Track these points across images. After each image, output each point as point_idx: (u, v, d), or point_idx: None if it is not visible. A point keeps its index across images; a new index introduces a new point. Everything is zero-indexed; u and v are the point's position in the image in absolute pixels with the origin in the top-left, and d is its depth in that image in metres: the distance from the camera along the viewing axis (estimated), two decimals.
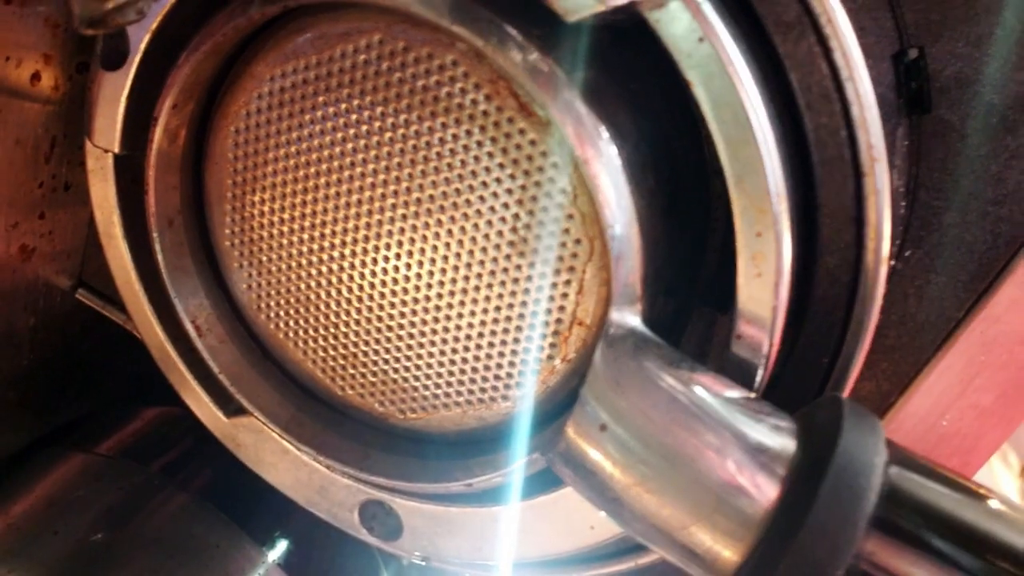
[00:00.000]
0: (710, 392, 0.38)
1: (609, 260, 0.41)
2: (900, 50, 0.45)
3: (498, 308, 0.46)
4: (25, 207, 0.56)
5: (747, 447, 0.36)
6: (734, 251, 0.40)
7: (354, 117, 0.46)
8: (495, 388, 0.48)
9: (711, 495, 0.36)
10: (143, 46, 0.48)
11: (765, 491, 0.35)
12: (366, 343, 0.51)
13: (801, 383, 0.43)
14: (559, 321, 0.45)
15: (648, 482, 0.37)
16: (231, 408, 0.58)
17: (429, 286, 0.47)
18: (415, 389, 0.51)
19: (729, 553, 0.35)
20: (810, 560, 0.32)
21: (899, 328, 0.48)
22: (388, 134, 0.45)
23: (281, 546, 0.65)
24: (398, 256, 0.47)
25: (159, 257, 0.53)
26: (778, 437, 0.36)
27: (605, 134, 0.40)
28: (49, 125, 0.54)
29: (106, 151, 0.52)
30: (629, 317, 0.41)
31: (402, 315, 0.49)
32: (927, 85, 0.46)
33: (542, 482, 0.48)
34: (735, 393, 0.38)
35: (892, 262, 0.45)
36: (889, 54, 0.45)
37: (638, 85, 0.44)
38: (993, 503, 0.35)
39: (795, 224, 0.39)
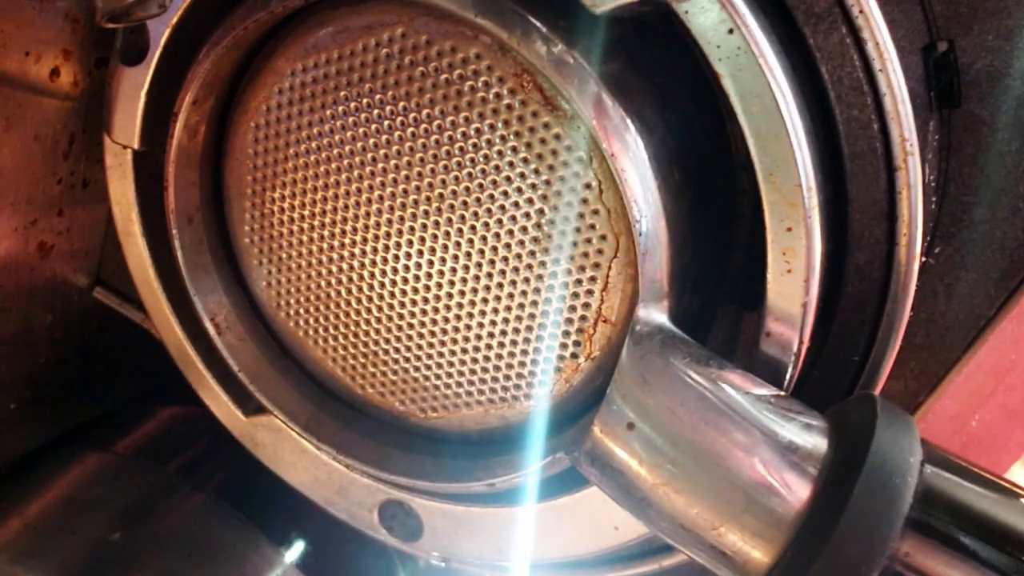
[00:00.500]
0: (739, 390, 0.37)
1: (636, 256, 0.40)
2: (929, 43, 0.45)
3: (521, 305, 0.45)
4: (43, 204, 0.56)
5: (777, 446, 0.35)
6: (761, 247, 0.39)
7: (376, 112, 0.45)
8: (517, 387, 0.48)
9: (741, 495, 0.35)
10: (163, 41, 0.48)
11: (796, 491, 0.34)
12: (387, 341, 0.51)
13: (831, 381, 0.42)
14: (583, 319, 0.44)
15: (676, 481, 0.36)
16: (250, 407, 0.58)
17: (451, 283, 0.47)
18: (436, 388, 0.50)
19: (759, 554, 0.35)
20: (844, 562, 0.32)
21: (928, 326, 0.47)
22: (410, 129, 0.45)
23: (298, 546, 0.64)
24: (420, 252, 0.47)
25: (178, 254, 0.53)
26: (809, 436, 0.36)
27: (633, 127, 0.39)
28: (68, 121, 0.54)
29: (125, 147, 0.52)
30: (656, 314, 0.41)
31: (423, 312, 0.48)
32: (957, 79, 0.45)
33: (566, 482, 0.47)
34: (764, 391, 0.38)
35: (922, 258, 0.44)
36: (918, 47, 0.45)
37: (663, 79, 0.44)
38: None
39: (825, 219, 0.38)
